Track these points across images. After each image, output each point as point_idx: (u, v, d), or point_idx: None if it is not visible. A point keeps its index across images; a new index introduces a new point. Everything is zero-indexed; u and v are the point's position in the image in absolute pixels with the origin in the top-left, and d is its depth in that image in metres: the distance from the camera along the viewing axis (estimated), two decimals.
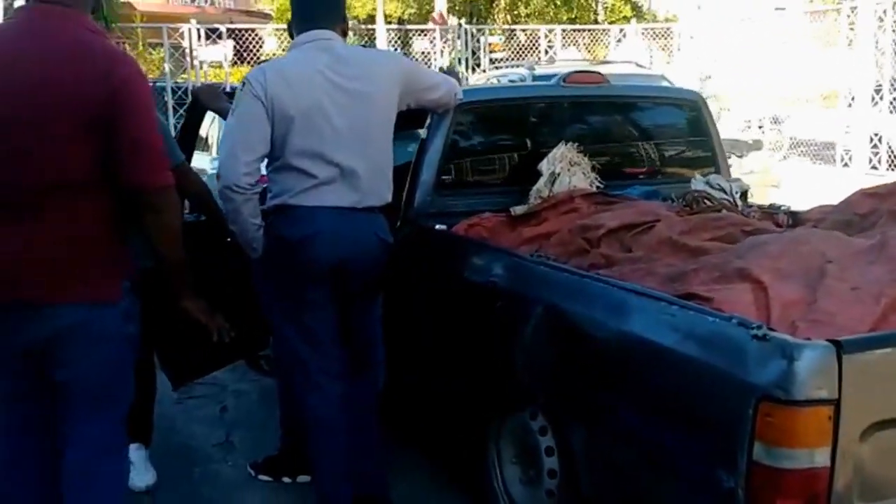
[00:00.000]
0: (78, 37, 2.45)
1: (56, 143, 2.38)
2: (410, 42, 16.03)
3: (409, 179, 3.66)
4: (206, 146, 7.53)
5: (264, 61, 6.28)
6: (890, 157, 10.55)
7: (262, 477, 3.70)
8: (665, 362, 2.31)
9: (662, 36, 16.39)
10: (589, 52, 16.70)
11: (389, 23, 20.09)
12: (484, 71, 14.47)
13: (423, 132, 3.68)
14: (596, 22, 22.19)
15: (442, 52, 15.49)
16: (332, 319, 3.12)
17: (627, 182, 4.01)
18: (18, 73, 2.37)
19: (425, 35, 15.95)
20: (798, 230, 3.12)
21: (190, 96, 4.28)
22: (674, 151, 4.40)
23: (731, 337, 2.15)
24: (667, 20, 22.49)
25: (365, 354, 3.29)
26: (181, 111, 10.06)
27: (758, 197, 6.63)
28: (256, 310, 3.34)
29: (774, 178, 8.94)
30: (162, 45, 13.18)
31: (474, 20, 21.39)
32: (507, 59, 15.71)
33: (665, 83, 9.45)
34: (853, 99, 11.20)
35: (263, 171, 3.06)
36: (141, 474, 3.61)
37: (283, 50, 12.35)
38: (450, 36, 15.61)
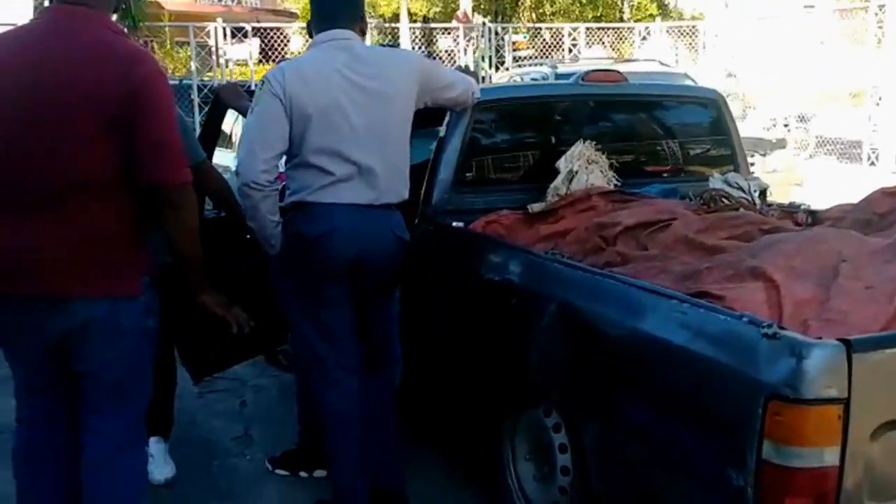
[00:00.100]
0: (100, 37, 2.49)
1: (80, 142, 2.43)
2: (434, 40, 16.06)
3: (428, 177, 3.69)
4: (229, 143, 7.60)
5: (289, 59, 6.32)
6: None
7: (280, 471, 3.74)
8: (676, 360, 2.32)
9: (688, 34, 16.29)
10: (614, 50, 16.65)
11: (415, 21, 20.16)
12: (507, 69, 14.46)
13: (441, 130, 3.70)
14: (621, 20, 22.11)
15: (465, 50, 15.50)
16: (349, 316, 3.15)
17: (646, 180, 4.00)
18: (45, 74, 2.42)
19: (449, 33, 15.97)
20: (814, 229, 3.12)
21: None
22: (693, 150, 4.39)
23: (742, 335, 2.15)
24: (693, 18, 22.36)
25: (382, 351, 3.31)
26: (206, 109, 10.17)
27: (781, 196, 6.60)
28: (275, 306, 3.37)
29: (798, 177, 8.88)
30: (189, 43, 13.29)
31: (499, 18, 21.38)
32: (532, 58, 15.70)
33: (689, 82, 9.41)
34: (881, 98, 11.08)
35: (282, 169, 3.10)
36: (160, 467, 3.66)
37: None
38: (473, 34, 15.61)
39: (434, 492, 3.57)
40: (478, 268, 3.23)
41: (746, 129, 10.35)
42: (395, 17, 19.63)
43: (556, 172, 3.74)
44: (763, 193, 3.94)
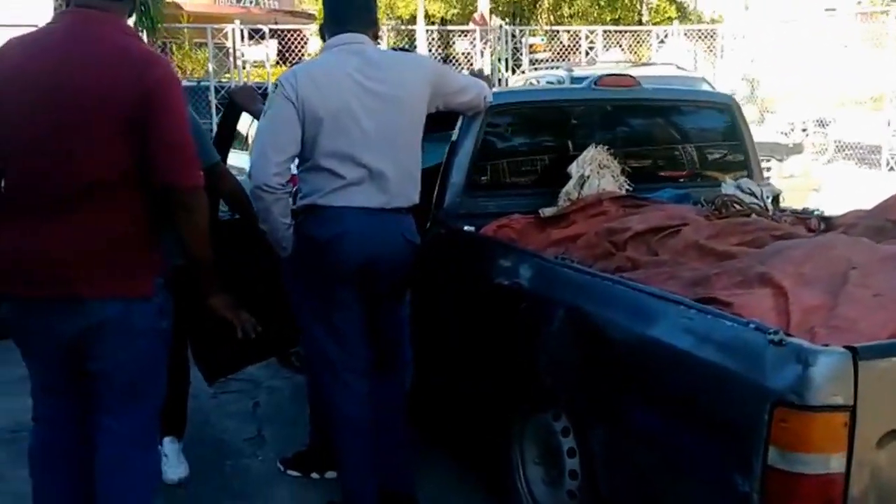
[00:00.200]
0: (115, 41, 2.53)
1: (95, 145, 2.46)
2: (451, 43, 16.08)
3: (439, 181, 3.70)
4: (245, 145, 7.64)
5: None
6: None
7: (291, 472, 3.76)
8: (683, 366, 2.33)
9: (707, 37, 16.23)
10: (632, 53, 16.61)
11: (433, 23, 20.18)
12: (523, 72, 14.47)
13: (453, 134, 3.71)
14: (640, 23, 22.05)
15: (482, 52, 15.51)
16: (359, 319, 3.17)
17: (658, 185, 4.00)
18: (62, 78, 2.46)
19: (466, 36, 15.99)
20: (824, 235, 3.11)
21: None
22: (706, 155, 4.39)
23: (748, 342, 2.16)
24: (713, 21, 22.28)
25: (392, 354, 3.33)
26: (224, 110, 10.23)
27: (797, 201, 6.57)
28: (287, 308, 3.39)
29: (815, 182, 8.82)
30: (207, 44, 13.39)
31: (517, 20, 21.38)
32: (549, 61, 15.69)
33: (705, 86, 9.38)
34: None
35: (294, 171, 3.12)
36: (174, 467, 3.70)
37: None
38: (490, 37, 15.62)
39: (444, 494, 3.58)
40: (488, 272, 3.24)
41: (764, 133, 10.30)
42: (413, 19, 19.65)
43: (568, 177, 3.75)
44: (776, 199, 3.93)
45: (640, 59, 15.51)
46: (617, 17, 22.58)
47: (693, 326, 2.34)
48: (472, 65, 15.29)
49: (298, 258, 3.13)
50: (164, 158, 2.49)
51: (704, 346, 2.28)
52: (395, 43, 15.63)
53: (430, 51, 16.60)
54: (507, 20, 20.64)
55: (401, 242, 3.13)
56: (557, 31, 17.28)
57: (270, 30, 13.88)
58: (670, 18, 22.08)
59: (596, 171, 3.74)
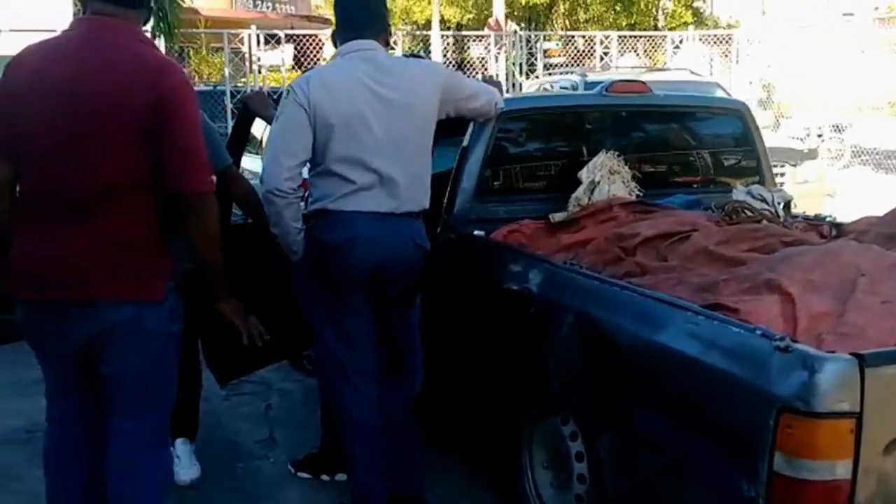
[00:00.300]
0: (130, 48, 2.56)
1: (110, 151, 2.50)
2: (466, 48, 16.12)
3: (450, 186, 3.72)
4: (259, 149, 7.69)
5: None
6: None
7: (302, 474, 3.78)
8: (690, 371, 2.34)
9: (723, 42, 16.18)
10: (648, 58, 16.59)
11: (448, 28, 20.22)
12: (537, 77, 14.47)
13: (464, 139, 3.73)
14: (656, 28, 22.01)
15: (497, 57, 15.53)
16: (369, 323, 3.19)
17: (669, 191, 4.00)
18: (79, 85, 2.49)
19: (481, 41, 16.02)
20: (834, 242, 3.10)
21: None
22: (717, 161, 4.38)
23: (755, 348, 2.17)
24: (729, 26, 22.20)
25: (402, 358, 3.35)
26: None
27: (812, 207, 6.54)
28: (298, 311, 3.42)
29: (829, 188, 8.76)
30: (223, 49, 13.48)
31: (533, 26, 21.39)
32: (564, 66, 15.69)
33: (719, 91, 9.35)
34: None
35: (306, 175, 3.15)
36: (186, 468, 3.73)
37: None
38: (505, 42, 15.64)
39: (453, 498, 3.60)
40: (497, 276, 3.26)
41: (778, 138, 10.27)
42: (429, 24, 19.71)
43: (579, 182, 3.75)
44: (787, 205, 3.91)
45: (655, 65, 15.48)
46: (633, 21, 22.57)
47: (700, 332, 2.35)
48: (486, 70, 15.30)
49: (309, 262, 3.15)
50: (177, 164, 2.52)
51: (711, 352, 2.29)
52: (410, 48, 15.65)
53: (444, 56, 16.62)
54: (522, 25, 20.64)
55: (411, 247, 3.15)
56: (572, 37, 17.28)
57: (286, 35, 13.95)
58: (686, 23, 22.01)
59: (606, 177, 3.75)
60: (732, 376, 2.20)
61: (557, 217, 3.68)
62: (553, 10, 23.25)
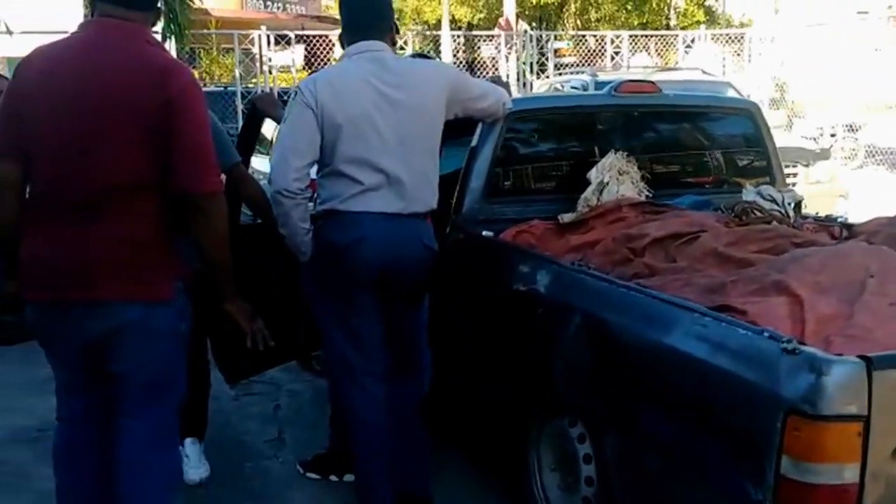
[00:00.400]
0: (138, 49, 2.58)
1: (118, 151, 2.51)
2: (477, 48, 16.11)
3: (459, 186, 3.72)
4: (270, 149, 7.70)
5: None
6: None
7: (311, 474, 3.79)
8: (697, 373, 2.33)
9: (736, 41, 16.12)
10: (660, 57, 16.54)
11: (459, 28, 20.22)
12: (547, 77, 14.45)
13: (473, 140, 3.73)
14: (668, 27, 21.94)
15: (507, 57, 15.52)
16: (377, 323, 3.20)
17: (678, 192, 3.99)
18: (87, 86, 2.51)
19: (491, 41, 16.01)
20: (843, 243, 3.09)
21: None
22: (727, 161, 4.36)
23: (762, 350, 2.16)
24: (742, 25, 22.11)
25: (410, 358, 3.35)
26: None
27: (824, 207, 6.50)
28: (307, 311, 3.42)
29: (842, 188, 8.71)
30: (234, 50, 13.53)
31: (544, 25, 21.36)
32: (575, 65, 15.66)
33: (731, 91, 9.31)
34: None
35: (314, 176, 3.16)
36: (195, 468, 3.74)
37: None
38: (516, 41, 15.62)
39: (460, 499, 3.59)
40: (505, 277, 3.25)
41: (791, 138, 10.21)
42: (440, 24, 19.72)
43: (587, 183, 3.75)
44: (798, 206, 3.90)
45: (667, 64, 15.43)
46: (644, 21, 22.50)
47: (707, 334, 2.34)
48: (496, 70, 15.29)
49: (317, 263, 3.16)
50: (185, 165, 2.53)
51: (718, 353, 2.28)
52: (420, 48, 15.66)
53: (455, 56, 16.62)
54: (533, 25, 20.61)
55: (419, 247, 3.15)
56: (583, 36, 17.25)
57: (297, 35, 13.99)
58: (698, 22, 21.94)
59: (615, 178, 3.74)
60: (740, 378, 2.19)
61: (566, 218, 3.67)
62: (564, 10, 23.20)
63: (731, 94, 8.97)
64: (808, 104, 14.78)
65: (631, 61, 15.25)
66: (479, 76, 13.99)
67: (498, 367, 3.29)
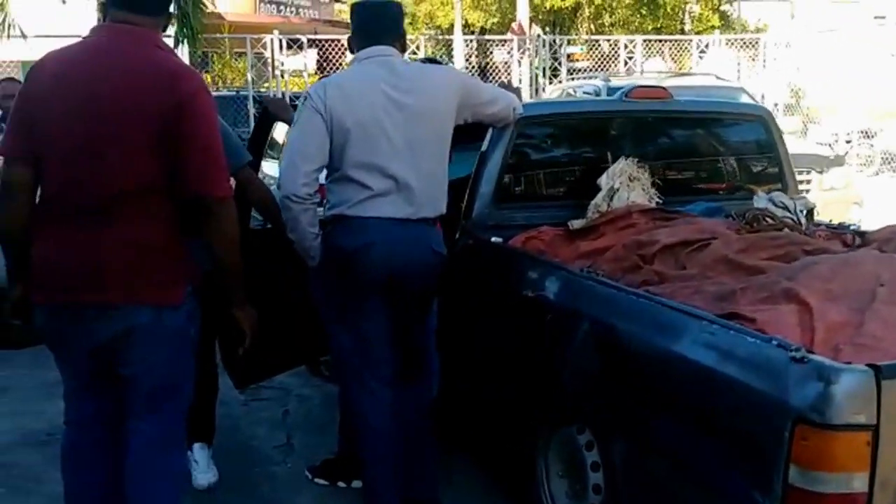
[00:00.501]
0: (148, 54, 2.59)
1: (128, 155, 2.52)
2: (489, 52, 16.11)
3: (469, 191, 3.71)
4: (281, 155, 7.71)
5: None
6: None
7: (319, 480, 3.78)
8: (705, 381, 2.32)
9: (751, 46, 16.05)
10: (675, 62, 16.48)
11: (472, 32, 20.22)
12: (560, 82, 14.43)
13: (483, 145, 3.72)
14: (682, 32, 21.87)
15: (520, 62, 15.51)
16: (386, 328, 3.20)
17: (689, 198, 3.97)
18: (97, 90, 2.52)
19: (504, 45, 16.00)
20: (855, 251, 3.06)
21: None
22: (739, 168, 4.34)
23: (770, 358, 2.15)
24: (758, 30, 22.02)
25: (418, 363, 3.35)
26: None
27: (838, 214, 6.47)
28: (316, 316, 3.43)
29: (857, 195, 8.65)
30: (247, 54, 13.58)
31: (557, 30, 21.33)
32: (588, 70, 15.63)
33: (745, 97, 9.27)
34: None
35: (323, 181, 3.16)
36: (204, 472, 3.74)
37: None
38: (528, 46, 15.61)
39: (468, 502, 3.58)
40: (514, 283, 3.25)
41: (806, 144, 10.15)
42: (453, 28, 19.72)
43: (598, 189, 3.74)
44: (810, 213, 3.87)
45: (681, 69, 15.38)
46: (659, 25, 22.42)
47: (716, 342, 2.33)
48: (509, 74, 15.29)
49: (326, 268, 3.16)
50: (195, 169, 2.54)
51: (727, 361, 2.27)
52: (432, 52, 15.68)
53: (467, 60, 16.62)
54: (547, 29, 20.58)
55: (427, 253, 3.15)
56: (597, 41, 17.22)
57: (309, 39, 14.03)
58: (713, 27, 21.86)
59: (626, 184, 3.73)
60: (748, 387, 2.18)
61: (576, 224, 3.67)
62: (578, 14, 23.15)
63: (744, 99, 8.93)
64: (823, 110, 14.70)
65: (645, 66, 15.21)
66: (491, 81, 13.99)
67: (506, 374, 3.28)
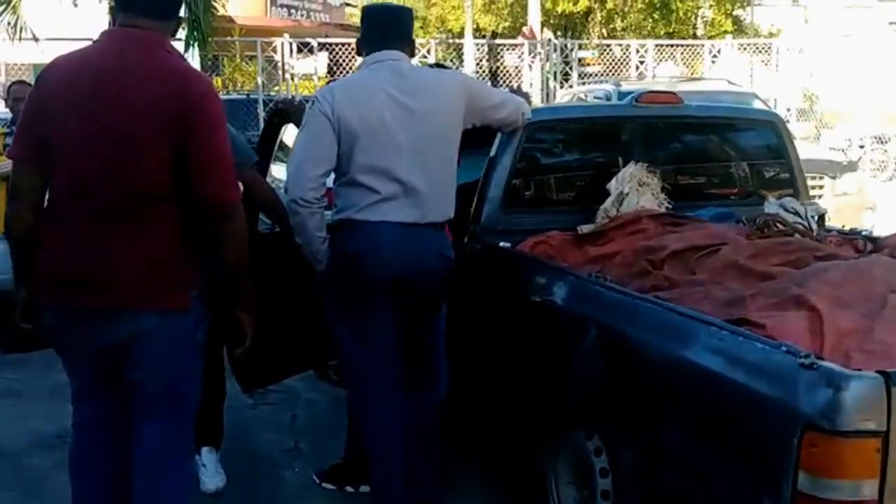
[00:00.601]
0: (158, 59, 2.60)
1: (136, 159, 2.53)
2: (500, 56, 16.10)
3: (477, 196, 3.71)
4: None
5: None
6: None
7: (326, 485, 3.77)
8: (713, 387, 2.31)
9: (764, 51, 16.00)
10: (687, 66, 16.44)
11: (483, 36, 20.23)
12: (571, 86, 14.41)
13: (492, 149, 3.71)
14: (695, 36, 21.81)
15: (531, 66, 15.50)
16: (393, 332, 3.19)
17: (699, 203, 3.95)
18: (106, 95, 2.53)
19: (515, 49, 16.00)
20: (865, 257, 3.04)
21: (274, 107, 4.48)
22: (749, 173, 4.32)
23: (779, 364, 2.13)
24: (771, 35, 21.95)
25: (426, 367, 3.34)
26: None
27: (851, 220, 6.42)
28: (324, 320, 3.42)
29: (870, 201, 8.60)
30: (257, 57, 13.62)
31: (569, 34, 21.32)
32: (599, 74, 15.60)
33: (757, 102, 9.23)
34: None
35: (330, 185, 3.16)
36: (212, 476, 3.74)
37: None
38: (540, 50, 15.60)
39: None
40: (523, 288, 3.24)
41: (819, 149, 10.09)
42: (464, 32, 19.75)
43: (607, 194, 3.72)
44: (821, 219, 3.85)
45: (693, 73, 15.34)
46: (671, 30, 22.38)
47: (725, 348, 2.32)
48: (520, 79, 15.28)
49: (333, 272, 3.16)
50: (204, 173, 2.55)
51: (735, 367, 2.25)
52: (443, 56, 15.69)
53: (478, 64, 16.62)
54: (558, 34, 20.58)
55: (435, 257, 3.14)
56: (608, 45, 17.19)
57: (320, 43, 14.05)
58: (726, 32, 21.80)
59: (635, 189, 3.71)
60: (757, 393, 2.17)
61: (585, 229, 3.65)
62: (590, 18, 23.13)
63: (756, 104, 8.90)
64: (836, 115, 14.64)
65: (657, 71, 15.18)
66: (501, 85, 14.00)
67: (514, 379, 3.28)
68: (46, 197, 2.68)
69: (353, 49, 14.25)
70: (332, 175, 3.14)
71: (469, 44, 16.80)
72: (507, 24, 23.06)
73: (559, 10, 22.01)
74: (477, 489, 3.73)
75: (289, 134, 5.14)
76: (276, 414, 4.65)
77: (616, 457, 2.76)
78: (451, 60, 17.21)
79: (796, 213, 3.72)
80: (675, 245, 3.25)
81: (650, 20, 22.87)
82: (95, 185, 2.54)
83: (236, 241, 2.63)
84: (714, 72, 14.68)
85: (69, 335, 2.67)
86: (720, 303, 2.67)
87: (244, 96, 12.47)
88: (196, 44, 10.54)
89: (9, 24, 10.78)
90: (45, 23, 11.37)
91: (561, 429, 3.09)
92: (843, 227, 3.99)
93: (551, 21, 22.57)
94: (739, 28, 23.82)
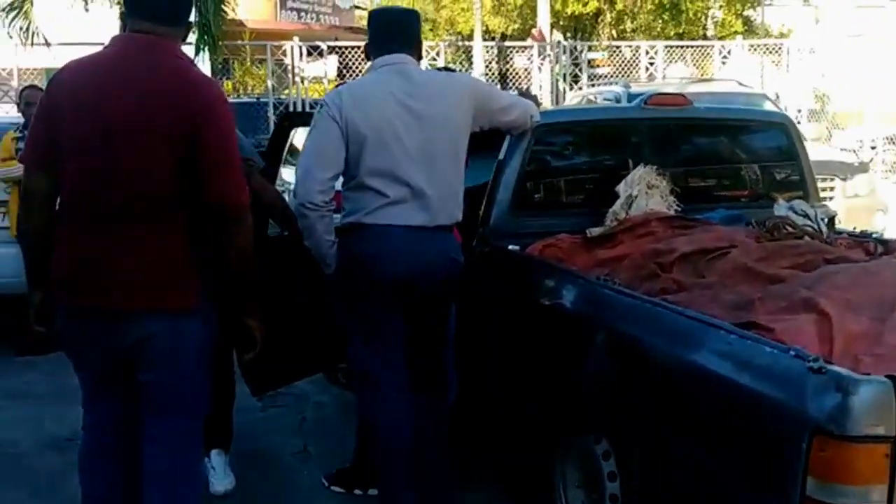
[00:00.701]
0: (167, 63, 2.61)
1: (145, 162, 2.55)
2: (509, 58, 16.08)
3: (486, 199, 3.71)
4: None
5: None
6: None
7: (335, 488, 3.78)
8: (722, 391, 2.30)
9: (774, 52, 15.93)
10: (697, 67, 16.39)
11: (492, 38, 20.22)
12: (580, 88, 14.39)
13: (500, 152, 3.71)
14: (705, 37, 21.74)
15: (540, 68, 15.48)
16: (401, 335, 3.19)
17: (709, 206, 3.94)
18: (116, 99, 2.55)
19: (524, 51, 15.99)
20: (875, 260, 3.03)
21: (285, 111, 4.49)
22: (759, 175, 4.30)
23: (788, 369, 2.12)
24: (781, 35, 21.86)
25: (435, 370, 3.34)
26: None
27: (862, 222, 6.39)
28: (333, 323, 3.43)
29: (881, 202, 8.55)
30: (267, 61, 13.66)
31: (579, 36, 21.28)
32: (609, 76, 15.57)
33: (767, 103, 9.19)
34: None
35: (339, 188, 3.17)
36: (221, 479, 3.75)
37: None
38: (549, 52, 15.59)
39: None
40: (532, 292, 3.23)
41: (831, 150, 10.05)
42: (473, 35, 19.73)
43: (616, 196, 3.71)
44: (831, 221, 3.83)
45: (703, 74, 15.29)
46: (681, 31, 22.31)
47: (733, 352, 2.31)
48: (530, 81, 15.26)
49: (342, 275, 3.16)
50: (212, 178, 2.56)
51: (744, 371, 2.24)
52: (452, 59, 15.70)
53: (487, 67, 16.61)
54: (568, 35, 20.55)
55: (443, 260, 3.14)
56: (618, 47, 17.16)
57: (329, 46, 14.08)
58: (736, 32, 21.72)
59: (644, 191, 3.70)
60: (765, 397, 2.15)
61: (594, 232, 3.64)
62: (599, 20, 23.09)
63: (767, 106, 8.87)
64: (848, 116, 14.57)
65: (667, 72, 15.14)
66: (511, 87, 13.99)
67: (523, 382, 3.27)
68: (58, 200, 2.70)
69: (362, 52, 14.32)
70: (341, 179, 3.14)
71: (478, 46, 16.79)
72: (516, 26, 23.03)
73: (569, 11, 21.96)
74: (485, 494, 3.72)
75: (298, 137, 5.17)
76: (285, 417, 4.65)
77: (624, 461, 2.76)
78: (461, 62, 17.21)
79: (806, 216, 3.70)
80: (684, 248, 3.24)
81: (660, 21, 22.80)
82: (105, 189, 2.56)
83: (242, 243, 2.64)
84: (724, 73, 14.63)
85: (80, 337, 2.69)
86: (729, 306, 2.66)
87: (254, 100, 12.53)
88: (206, 48, 10.58)
89: (21, 28, 10.87)
90: (56, 28, 11.44)
91: (569, 432, 3.09)
92: (854, 229, 3.98)
93: (561, 23, 22.53)
94: (750, 28, 23.72)
